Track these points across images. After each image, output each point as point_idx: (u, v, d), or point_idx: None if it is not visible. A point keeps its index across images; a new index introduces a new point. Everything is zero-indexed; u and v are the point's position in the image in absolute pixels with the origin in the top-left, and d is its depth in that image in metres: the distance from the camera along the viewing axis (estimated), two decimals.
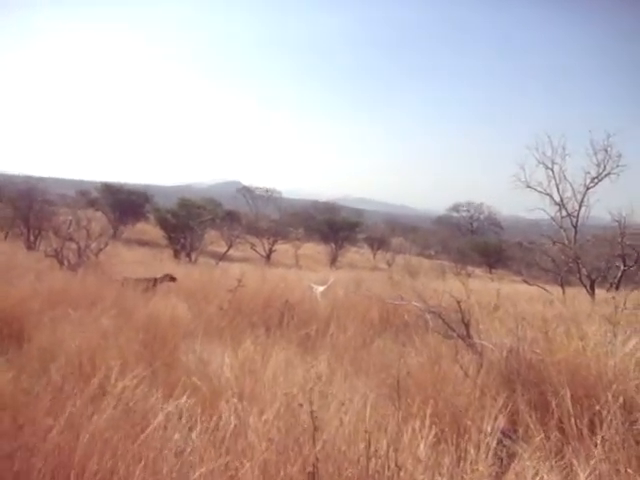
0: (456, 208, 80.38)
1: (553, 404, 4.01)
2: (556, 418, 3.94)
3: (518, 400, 4.18)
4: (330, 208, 63.93)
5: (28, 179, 25.80)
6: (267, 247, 31.60)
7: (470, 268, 37.94)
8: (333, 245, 36.91)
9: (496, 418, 3.64)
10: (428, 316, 5.37)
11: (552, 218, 14.43)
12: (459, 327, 5.32)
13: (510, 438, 3.80)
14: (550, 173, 14.16)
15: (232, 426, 3.48)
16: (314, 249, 39.29)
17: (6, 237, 22.40)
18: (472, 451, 3.26)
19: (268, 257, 30.95)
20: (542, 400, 4.29)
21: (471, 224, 78.74)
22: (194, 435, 3.46)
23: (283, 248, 33.76)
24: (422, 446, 3.30)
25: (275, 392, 4.48)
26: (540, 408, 4.18)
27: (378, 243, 45.85)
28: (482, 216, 79.72)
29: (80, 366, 4.80)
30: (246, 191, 67.73)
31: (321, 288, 10.63)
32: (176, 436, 3.37)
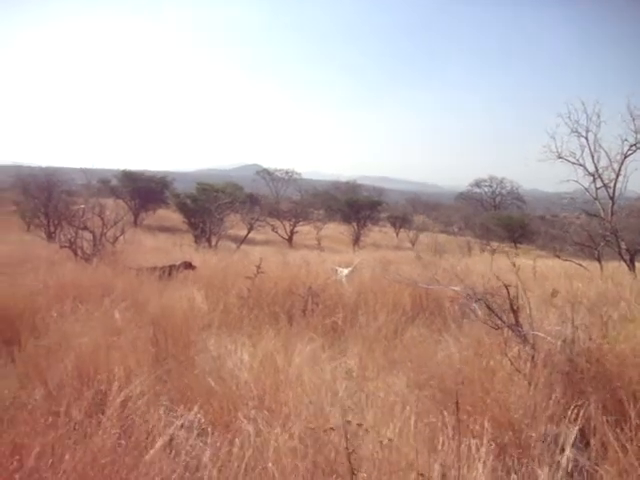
0: (478, 184, 79.39)
1: (629, 407, 3.39)
2: (634, 425, 3.30)
3: (586, 402, 3.54)
4: (351, 188, 63.28)
5: (50, 170, 25.59)
6: (288, 229, 31.14)
7: (495, 243, 37.08)
8: (355, 225, 36.23)
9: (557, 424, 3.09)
10: (475, 305, 4.76)
11: (586, 189, 13.64)
12: (504, 313, 4.74)
13: (582, 451, 3.22)
14: (584, 142, 13.35)
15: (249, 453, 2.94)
16: (336, 229, 38.69)
17: (28, 228, 22.42)
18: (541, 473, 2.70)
19: (290, 239, 30.51)
20: (614, 402, 3.68)
21: (493, 199, 77.73)
22: (205, 458, 2.95)
23: (305, 229, 33.30)
24: (480, 467, 2.74)
25: (301, 396, 3.98)
26: (613, 412, 3.57)
27: (401, 221, 45.13)
28: (504, 191, 78.65)
29: (82, 370, 4.30)
30: (266, 173, 67.30)
31: (346, 271, 10.09)
32: (182, 461, 2.86)
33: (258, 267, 7.49)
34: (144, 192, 33.67)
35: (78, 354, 4.62)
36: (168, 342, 5.28)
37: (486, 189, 78.52)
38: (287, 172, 66.97)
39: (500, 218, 46.28)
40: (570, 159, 13.66)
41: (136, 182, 33.96)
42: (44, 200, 21.77)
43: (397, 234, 43.62)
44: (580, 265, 12.74)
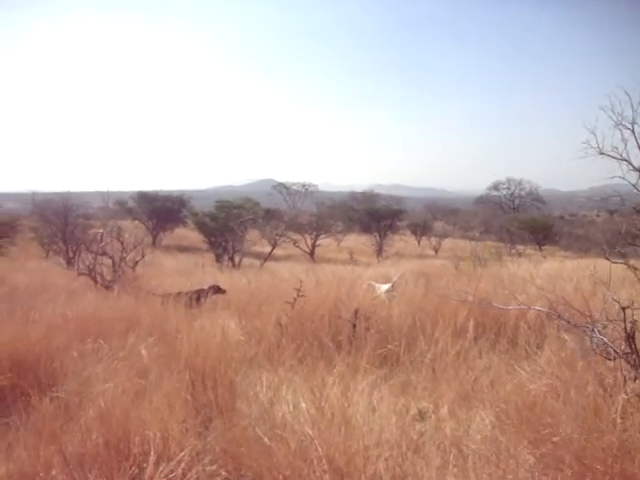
0: (496, 186, 78.62)
1: None
2: None
3: None
4: (368, 197, 62.62)
5: (65, 195, 25.19)
6: (310, 243, 30.47)
7: (520, 247, 36.15)
8: (377, 235, 35.44)
9: None
10: (586, 334, 3.95)
11: (634, 186, 12.74)
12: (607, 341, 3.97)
13: None
14: (627, 135, 12.41)
15: None
16: (357, 240, 37.97)
17: (47, 255, 22.15)
18: None
19: (312, 253, 29.85)
20: None
21: (512, 201, 76.82)
22: None
23: (325, 242, 32.67)
24: None
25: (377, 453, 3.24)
26: None
27: (422, 229, 44.37)
28: (523, 192, 77.74)
29: (106, 430, 3.55)
30: (282, 187, 66.85)
31: (384, 287, 9.32)
32: None
33: (298, 290, 6.75)
34: (161, 212, 33.21)
35: (101, 409, 3.90)
36: (206, 385, 4.54)
37: (504, 192, 77.72)
38: (304, 185, 66.65)
39: (523, 221, 45.38)
40: (613, 154, 12.78)
41: (152, 202, 33.50)
42: (61, 225, 21.25)
43: (419, 242, 42.94)
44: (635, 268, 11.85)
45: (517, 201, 76.91)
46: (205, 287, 9.08)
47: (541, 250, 38.68)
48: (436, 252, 36.50)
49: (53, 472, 3.13)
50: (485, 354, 5.59)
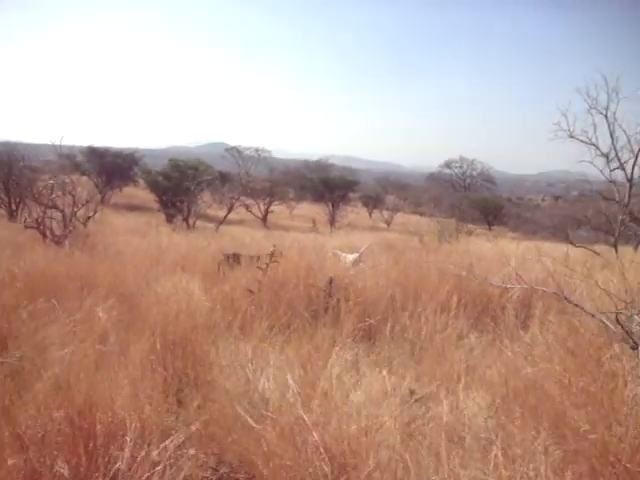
0: (448, 164, 79.23)
1: None
2: None
3: None
4: (322, 167, 62.16)
5: (10, 145, 23.80)
6: (263, 208, 29.97)
7: (470, 225, 36.49)
8: (330, 205, 35.13)
9: None
10: (604, 317, 3.65)
11: (601, 171, 12.73)
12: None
13: None
14: (601, 120, 12.41)
15: None
16: (310, 209, 37.61)
17: None
18: None
19: (264, 219, 29.37)
20: None
21: (464, 180, 77.65)
22: None
23: (278, 209, 32.25)
24: None
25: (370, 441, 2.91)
26: None
27: (374, 202, 44.38)
28: (475, 172, 78.60)
29: (68, 405, 3.08)
30: (235, 151, 65.56)
31: (350, 257, 8.98)
32: None
33: (272, 255, 6.33)
34: (111, 169, 31.88)
35: (59, 378, 3.43)
36: (176, 355, 4.11)
37: (457, 170, 78.39)
38: (257, 150, 65.41)
39: (475, 200, 46.01)
40: (582, 138, 12.72)
41: (103, 158, 32.13)
42: (4, 176, 19.92)
43: (370, 214, 42.94)
44: (594, 252, 11.87)
45: (468, 180, 77.77)
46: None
47: (490, 230, 39.16)
48: (388, 225, 36.58)
49: (5, 453, 2.67)
50: (471, 332, 5.32)
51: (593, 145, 12.69)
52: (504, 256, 7.75)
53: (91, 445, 2.73)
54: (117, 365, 3.73)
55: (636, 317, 3.29)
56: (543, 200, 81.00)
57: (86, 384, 3.23)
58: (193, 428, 3.21)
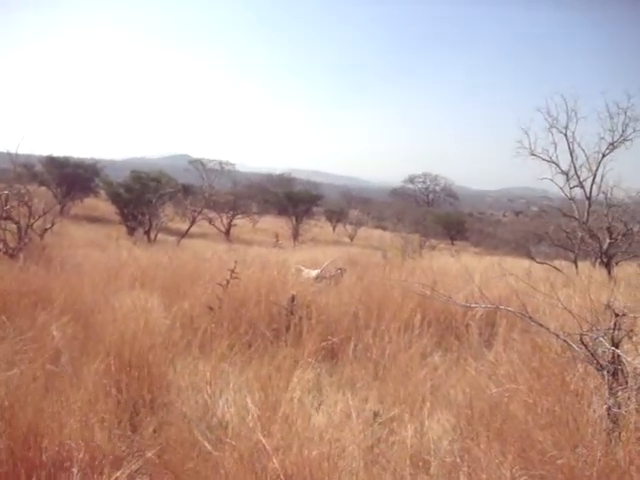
0: (412, 179, 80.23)
1: None
2: None
3: None
4: (285, 181, 62.03)
5: None
6: (226, 222, 29.73)
7: (433, 240, 36.80)
8: (294, 219, 35.06)
9: None
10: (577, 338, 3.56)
11: (561, 189, 12.94)
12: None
13: None
14: (557, 139, 12.66)
15: None
16: (273, 223, 37.52)
17: None
18: None
19: (227, 232, 29.13)
20: None
21: (427, 195, 78.63)
22: None
23: (240, 222, 32.05)
24: None
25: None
26: None
27: (337, 216, 44.47)
28: (438, 187, 79.71)
29: (13, 437, 2.88)
30: (199, 163, 64.94)
31: (314, 272, 8.88)
32: None
33: (232, 271, 6.18)
34: (72, 179, 31.22)
35: (3, 402, 3.23)
36: (132, 376, 3.94)
37: (420, 185, 79.39)
38: (221, 163, 64.79)
39: (438, 216, 46.65)
40: (543, 156, 12.92)
41: (62, 168, 31.45)
42: None
43: (334, 229, 42.99)
44: (555, 268, 12.00)
45: (431, 195, 78.83)
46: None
47: (453, 245, 39.58)
48: (351, 240, 36.69)
49: None
50: (435, 352, 5.26)
51: (554, 163, 12.92)
52: (467, 273, 7.72)
53: (34, 477, 2.56)
54: (68, 388, 3.56)
55: (602, 340, 3.25)
56: (504, 216, 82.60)
57: (33, 409, 3.05)
58: (148, 455, 3.06)
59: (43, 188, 28.41)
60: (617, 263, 13.36)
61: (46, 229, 11.41)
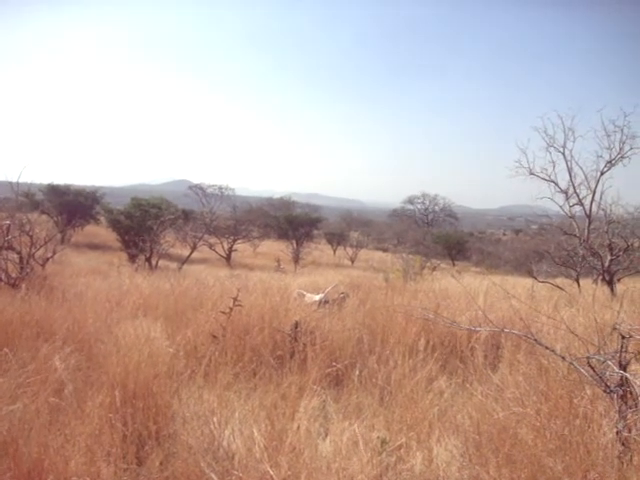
0: (411, 200, 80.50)
1: None
2: None
3: None
4: (285, 204, 62.13)
5: None
6: (227, 247, 29.68)
7: (434, 261, 36.80)
8: (294, 242, 35.04)
9: None
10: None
11: (560, 207, 12.95)
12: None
13: None
14: (555, 157, 12.72)
15: None
16: (272, 247, 37.54)
17: None
18: None
19: (228, 257, 29.06)
20: None
21: (426, 216, 78.80)
22: None
23: (241, 247, 32.03)
24: None
25: None
26: None
27: (338, 238, 44.47)
28: (437, 207, 79.92)
29: (16, 474, 2.85)
30: (199, 189, 64.93)
31: (316, 297, 8.85)
32: None
33: (235, 299, 6.16)
34: (72, 207, 31.35)
35: (6, 437, 3.20)
36: (137, 407, 3.91)
37: (419, 206, 79.64)
38: (220, 188, 64.77)
39: (439, 236, 46.73)
40: (542, 175, 12.96)
41: (63, 196, 31.59)
42: None
43: (334, 251, 42.94)
44: (558, 287, 11.98)
45: (431, 216, 79.01)
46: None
47: (454, 265, 39.55)
48: (352, 262, 36.66)
49: None
50: (440, 376, 5.22)
51: (552, 182, 12.94)
52: (470, 294, 7.70)
53: None
54: (73, 421, 3.53)
55: (610, 363, 3.23)
56: (504, 234, 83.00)
57: (37, 443, 3.03)
58: None
59: (44, 216, 28.49)
60: (619, 280, 13.34)
61: (48, 258, 11.40)
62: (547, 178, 12.99)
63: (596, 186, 12.30)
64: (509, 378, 4.78)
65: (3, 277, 9.57)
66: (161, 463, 3.37)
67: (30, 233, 10.96)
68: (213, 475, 3.06)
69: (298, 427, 3.69)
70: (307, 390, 4.52)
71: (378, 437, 3.87)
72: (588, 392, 3.81)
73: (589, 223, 12.40)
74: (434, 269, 30.04)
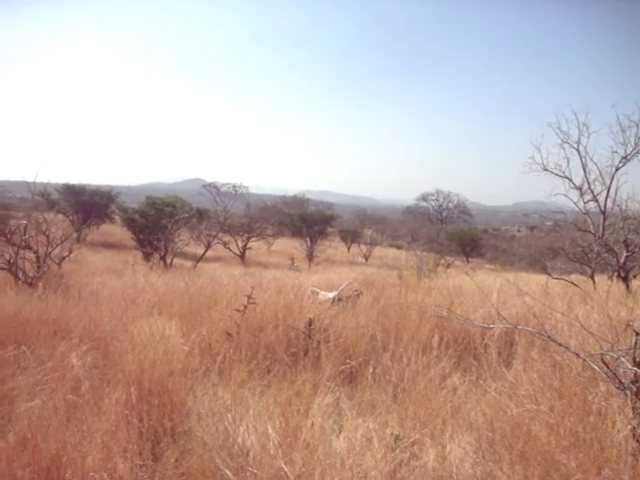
0: (425, 197, 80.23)
1: None
2: None
3: None
4: (299, 202, 62.17)
5: None
6: (241, 245, 29.76)
7: (448, 258, 36.65)
8: (308, 240, 35.06)
9: None
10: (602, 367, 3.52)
11: (575, 203, 12.86)
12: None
13: None
14: (569, 153, 12.64)
15: None
16: (286, 244, 37.60)
17: None
18: None
19: (242, 256, 29.13)
20: None
21: (440, 213, 78.54)
22: None
23: (255, 245, 32.07)
24: None
25: None
26: None
27: (352, 236, 44.35)
28: (451, 204, 79.59)
29: (35, 469, 2.90)
30: (212, 187, 65.12)
31: (330, 295, 8.86)
32: None
33: (249, 297, 6.21)
34: (88, 206, 31.61)
35: (25, 433, 3.25)
36: (152, 404, 3.96)
37: (433, 203, 79.39)
38: (234, 186, 64.93)
39: (453, 232, 46.51)
40: (556, 171, 12.87)
41: (79, 196, 31.86)
42: None
43: (349, 249, 42.85)
44: (573, 284, 11.91)
45: (445, 213, 78.74)
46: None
47: (468, 262, 39.40)
48: (366, 259, 36.55)
49: None
50: (454, 373, 5.23)
51: (567, 178, 12.85)
52: (484, 292, 7.69)
53: None
54: (90, 418, 3.59)
55: (624, 360, 3.23)
56: (519, 231, 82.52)
57: (55, 440, 3.08)
58: None
59: (60, 216, 28.73)
60: (635, 276, 13.25)
61: (64, 257, 11.50)
62: (561, 174, 12.91)
63: (611, 182, 12.21)
64: (523, 375, 4.77)
65: (21, 276, 9.67)
66: (176, 459, 3.41)
67: (47, 232, 11.07)
68: (228, 471, 3.10)
69: (312, 424, 3.71)
70: (321, 387, 4.56)
71: (392, 434, 3.88)
72: (602, 389, 3.81)
73: (604, 219, 12.30)
74: (448, 266, 29.96)
